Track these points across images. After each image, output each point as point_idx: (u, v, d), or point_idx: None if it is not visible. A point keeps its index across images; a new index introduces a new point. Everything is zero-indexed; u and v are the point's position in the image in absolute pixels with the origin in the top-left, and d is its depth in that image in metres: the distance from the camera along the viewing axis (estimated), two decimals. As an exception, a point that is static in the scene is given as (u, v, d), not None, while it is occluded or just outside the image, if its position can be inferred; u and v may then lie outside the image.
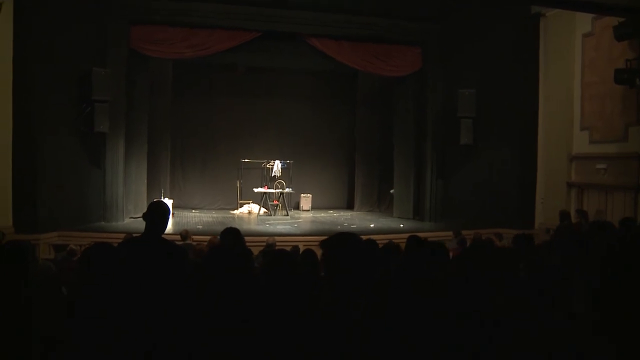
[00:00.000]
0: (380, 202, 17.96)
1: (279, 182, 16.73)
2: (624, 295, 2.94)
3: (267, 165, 16.94)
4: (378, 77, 16.08)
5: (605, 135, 11.70)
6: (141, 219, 3.90)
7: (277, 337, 2.36)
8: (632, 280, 3.03)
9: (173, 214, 14.27)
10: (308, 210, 17.38)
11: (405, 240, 5.60)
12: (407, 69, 15.23)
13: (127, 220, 13.36)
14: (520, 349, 2.51)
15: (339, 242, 2.69)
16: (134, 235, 6.59)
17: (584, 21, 12.13)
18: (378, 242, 5.84)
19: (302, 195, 17.54)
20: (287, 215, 15.85)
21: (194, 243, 8.64)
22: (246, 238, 5.02)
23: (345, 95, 18.13)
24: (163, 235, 3.90)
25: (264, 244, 8.67)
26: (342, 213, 17.21)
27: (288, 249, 7.91)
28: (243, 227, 13.44)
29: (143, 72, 14.24)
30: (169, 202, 13.91)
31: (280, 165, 16.80)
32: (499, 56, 13.72)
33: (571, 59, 12.55)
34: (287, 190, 16.39)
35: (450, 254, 5.74)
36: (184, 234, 9.29)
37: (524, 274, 4.27)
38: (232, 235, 4.57)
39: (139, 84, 13.98)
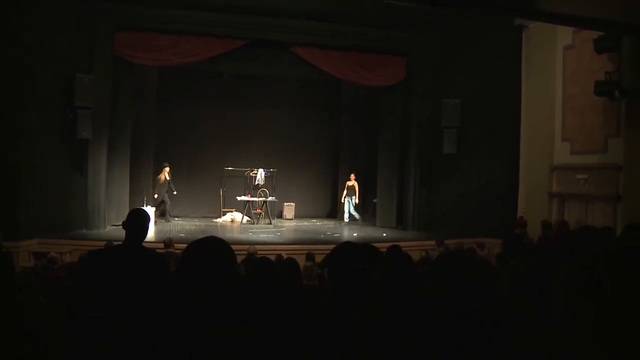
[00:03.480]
0: (364, 211, 17.97)
1: (263, 191, 16.70)
2: (610, 302, 2.97)
3: (251, 174, 16.91)
4: (363, 86, 16.13)
5: (586, 147, 11.82)
6: (121, 227, 3.88)
7: (258, 344, 2.35)
8: (619, 286, 3.06)
9: (155, 222, 14.22)
10: (291, 219, 17.36)
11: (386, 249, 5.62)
12: (392, 78, 15.32)
13: (108, 228, 13.27)
14: (516, 349, 2.52)
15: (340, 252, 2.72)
16: (114, 243, 6.56)
17: (564, 34, 12.27)
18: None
19: (285, 203, 17.52)
20: (270, 223, 15.82)
21: (177, 251, 8.60)
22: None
23: (329, 104, 18.17)
24: (144, 243, 3.87)
25: (245, 252, 8.65)
26: (325, 222, 17.20)
27: (271, 257, 7.91)
28: (226, 235, 13.41)
29: (128, 79, 14.21)
30: (151, 210, 13.85)
31: (263, 173, 16.77)
32: (484, 67, 13.86)
33: (553, 71, 12.69)
34: (270, 198, 16.36)
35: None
36: (168, 242, 9.27)
37: (511, 276, 4.31)
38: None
39: (123, 90, 13.93)
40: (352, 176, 16.60)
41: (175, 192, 15.70)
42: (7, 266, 3.07)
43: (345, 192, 16.73)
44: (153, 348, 2.45)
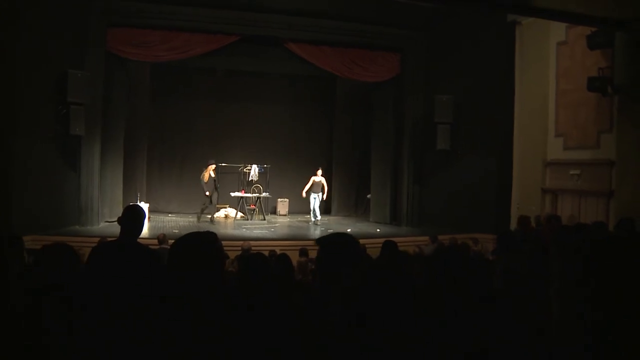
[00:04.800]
0: (358, 207, 18.00)
1: (256, 187, 16.69)
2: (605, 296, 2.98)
3: (245, 170, 16.89)
4: (357, 82, 16.12)
5: (579, 142, 11.86)
6: (116, 223, 3.89)
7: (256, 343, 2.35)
8: (611, 279, 3.08)
9: (149, 217, 14.17)
10: (285, 215, 17.35)
11: (381, 245, 5.64)
12: (386, 74, 15.34)
13: (102, 224, 13.24)
14: (511, 343, 2.53)
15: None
16: (109, 239, 6.54)
17: (558, 30, 12.30)
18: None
19: (279, 199, 17.50)
20: (264, 219, 15.83)
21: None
22: (222, 242, 5.00)
23: (323, 100, 18.15)
24: (138, 240, 3.88)
25: (240, 248, 8.65)
26: (319, 217, 17.19)
27: (265, 253, 7.91)
28: (220, 231, 13.38)
29: (121, 75, 14.18)
30: (145, 206, 13.80)
31: (257, 169, 16.77)
32: (477, 63, 13.88)
33: (546, 67, 12.72)
34: (264, 194, 16.36)
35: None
36: (161, 238, 9.24)
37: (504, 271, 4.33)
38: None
39: (116, 86, 13.88)
40: (319, 171, 15.46)
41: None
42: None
43: (309, 186, 15.33)
44: (148, 344, 2.45)
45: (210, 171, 14.75)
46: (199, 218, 14.91)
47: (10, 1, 10.97)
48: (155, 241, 9.20)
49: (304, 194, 15.41)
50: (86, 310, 2.81)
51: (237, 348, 2.31)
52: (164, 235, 9.54)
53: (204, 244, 2.47)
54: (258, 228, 14.41)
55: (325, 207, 18.26)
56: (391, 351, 2.21)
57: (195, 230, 2.58)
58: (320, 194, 15.24)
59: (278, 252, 7.77)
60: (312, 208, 15.33)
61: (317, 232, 14.21)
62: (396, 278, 2.83)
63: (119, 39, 13.25)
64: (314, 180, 15.31)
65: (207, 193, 14.67)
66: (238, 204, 16.04)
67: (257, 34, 13.98)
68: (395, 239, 6.57)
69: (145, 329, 2.50)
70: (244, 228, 14.31)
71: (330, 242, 2.81)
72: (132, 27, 13.34)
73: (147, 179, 16.63)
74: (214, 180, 14.78)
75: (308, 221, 15.60)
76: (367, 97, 16.81)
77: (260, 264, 3.27)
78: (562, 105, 12.36)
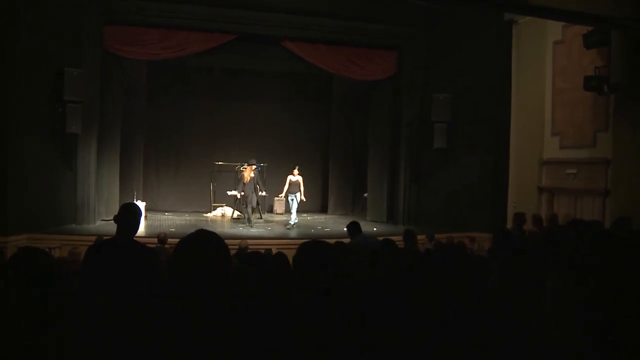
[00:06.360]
0: (354, 206, 17.99)
1: (253, 185, 16.65)
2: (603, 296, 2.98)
3: (241, 168, 16.86)
4: (354, 81, 16.11)
5: (575, 141, 11.87)
6: (112, 221, 3.89)
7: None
8: (608, 278, 3.07)
9: (146, 216, 14.14)
10: (282, 214, 17.33)
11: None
12: (382, 73, 15.34)
13: (98, 223, 13.21)
14: (507, 342, 2.52)
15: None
16: (105, 237, 6.53)
17: (554, 29, 12.29)
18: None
19: (275, 198, 17.46)
20: (261, 218, 15.79)
21: (167, 246, 8.57)
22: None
23: (320, 98, 18.11)
24: (135, 238, 3.87)
25: (237, 247, 8.64)
26: (315, 216, 17.20)
27: (262, 252, 7.90)
28: (216, 230, 13.33)
29: (117, 73, 14.14)
30: (141, 204, 13.76)
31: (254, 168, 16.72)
32: (474, 62, 13.88)
33: (542, 66, 12.72)
34: (261, 193, 16.33)
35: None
36: (162, 237, 9.16)
37: (500, 272, 4.34)
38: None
39: (113, 84, 13.86)
40: (296, 170, 14.74)
41: (262, 193, 14.95)
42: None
43: (286, 187, 14.65)
44: (146, 343, 2.43)
45: (250, 171, 14.29)
46: (251, 225, 14.25)
47: (10, 1, 10.94)
48: (152, 240, 9.17)
49: (283, 196, 15.10)
50: (84, 309, 2.80)
51: (236, 348, 2.30)
52: (165, 234, 9.49)
53: (212, 242, 2.44)
54: (255, 227, 14.38)
55: (322, 206, 18.29)
56: (391, 351, 2.21)
57: (191, 228, 2.56)
58: (297, 194, 14.55)
59: (275, 250, 7.77)
60: (290, 210, 14.69)
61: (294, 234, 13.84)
62: (395, 277, 2.82)
63: (116, 37, 13.22)
64: (290, 180, 14.63)
65: (239, 195, 14.36)
66: (234, 202, 16.01)
67: (255, 32, 13.96)
68: (392, 238, 6.56)
69: (144, 328, 2.48)
70: (241, 227, 14.27)
71: (306, 246, 2.79)
72: (130, 25, 13.32)
73: (144, 178, 16.61)
74: (254, 181, 14.33)
75: (305, 220, 15.57)
76: (365, 95, 16.79)
77: (257, 262, 3.27)
78: (558, 104, 12.37)
